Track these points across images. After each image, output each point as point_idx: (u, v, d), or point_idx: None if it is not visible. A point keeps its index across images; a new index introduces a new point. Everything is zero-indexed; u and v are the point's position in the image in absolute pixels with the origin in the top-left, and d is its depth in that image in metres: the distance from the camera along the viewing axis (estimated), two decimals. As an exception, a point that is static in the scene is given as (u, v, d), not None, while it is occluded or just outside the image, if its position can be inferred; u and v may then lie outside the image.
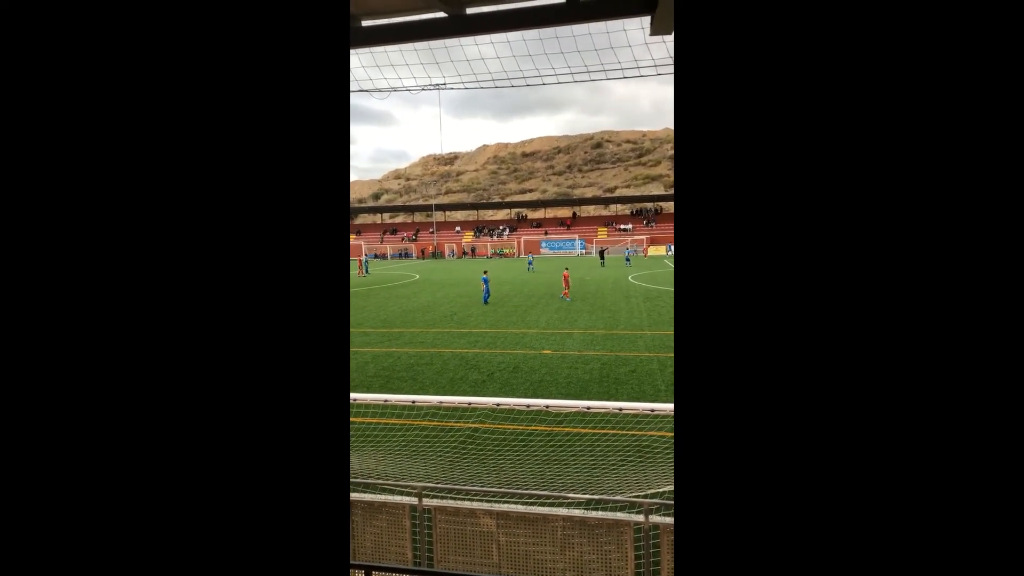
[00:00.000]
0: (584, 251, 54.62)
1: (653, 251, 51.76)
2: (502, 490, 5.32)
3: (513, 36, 4.12)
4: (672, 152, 68.40)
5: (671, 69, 4.71)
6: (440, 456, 6.82)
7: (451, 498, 5.14)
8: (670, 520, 4.41)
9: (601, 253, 42.62)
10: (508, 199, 76.07)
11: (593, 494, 5.47)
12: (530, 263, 39.57)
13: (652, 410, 5.33)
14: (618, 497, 5.33)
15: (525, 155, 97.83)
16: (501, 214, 70.27)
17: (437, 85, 6.10)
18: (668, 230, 56.06)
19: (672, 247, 51.69)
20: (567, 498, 5.23)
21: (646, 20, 3.15)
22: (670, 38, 3.42)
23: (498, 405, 5.46)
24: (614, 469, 6.20)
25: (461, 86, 5.29)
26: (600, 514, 4.49)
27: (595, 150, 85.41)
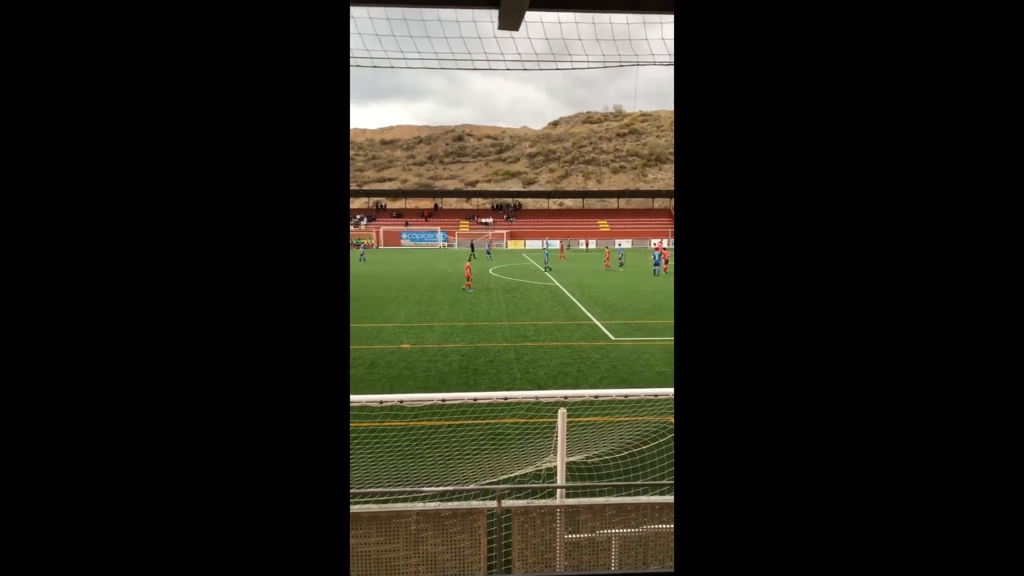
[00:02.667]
0: (447, 243, 54.59)
1: (512, 244, 53.54)
2: (353, 490, 5.08)
3: (358, 12, 3.90)
4: (529, 150, 71.07)
5: (521, 66, 4.85)
6: (285, 461, 6.29)
7: (296, 506, 4.77)
8: (521, 503, 4.58)
9: (472, 246, 43.86)
10: (366, 187, 73.02)
11: (448, 485, 5.48)
12: (362, 255, 38.59)
13: (506, 398, 5.49)
14: (471, 486, 5.41)
15: (384, 143, 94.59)
16: (359, 202, 67.19)
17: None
18: (527, 225, 58.35)
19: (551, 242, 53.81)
20: (422, 492, 5.17)
21: (495, 13, 3.19)
22: (519, 34, 3.50)
23: (350, 403, 5.19)
24: (469, 458, 6.28)
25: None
26: (453, 504, 4.51)
27: (456, 143, 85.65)
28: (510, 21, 2.98)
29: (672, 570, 1.29)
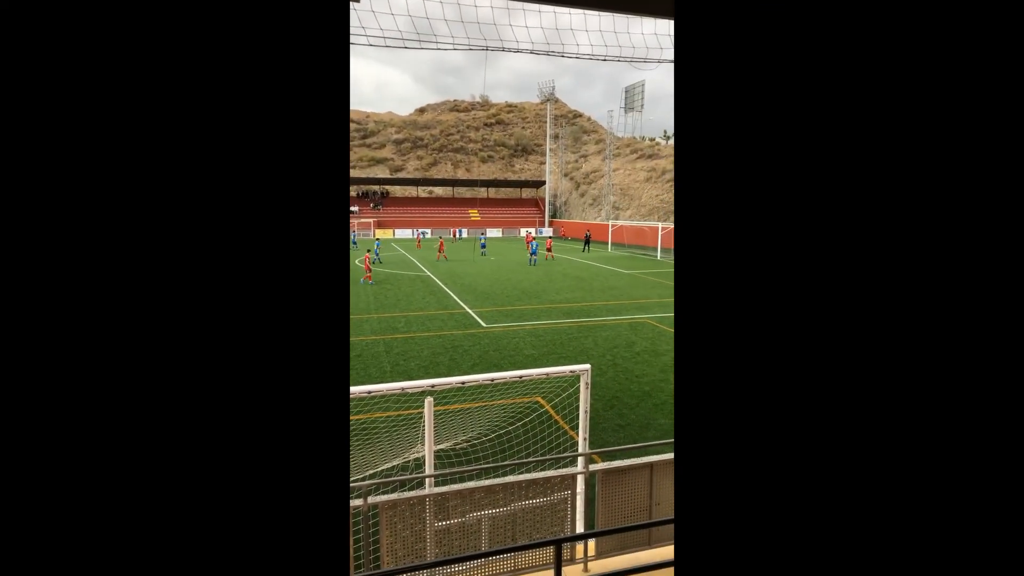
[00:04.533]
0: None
1: (381, 233, 51.82)
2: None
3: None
4: (396, 136, 68.93)
5: (393, 43, 4.63)
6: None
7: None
8: (389, 497, 4.47)
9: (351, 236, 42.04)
10: (212, 173, 65.35)
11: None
12: None
13: (370, 392, 5.29)
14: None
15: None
16: (204, 190, 60.06)
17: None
18: (396, 214, 56.80)
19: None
20: (280, 499, 4.81)
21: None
22: (362, 7, 3.33)
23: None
24: (335, 458, 5.99)
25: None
26: (315, 508, 4.26)
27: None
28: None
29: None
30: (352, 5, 3.33)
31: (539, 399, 8.13)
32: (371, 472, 5.54)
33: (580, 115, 79.48)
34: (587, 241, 39.07)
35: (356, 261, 29.46)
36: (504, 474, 5.36)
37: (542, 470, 5.48)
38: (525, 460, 5.63)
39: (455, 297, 18.17)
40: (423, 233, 48.79)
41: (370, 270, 21.79)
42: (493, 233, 54.33)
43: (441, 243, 33.20)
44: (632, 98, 58.32)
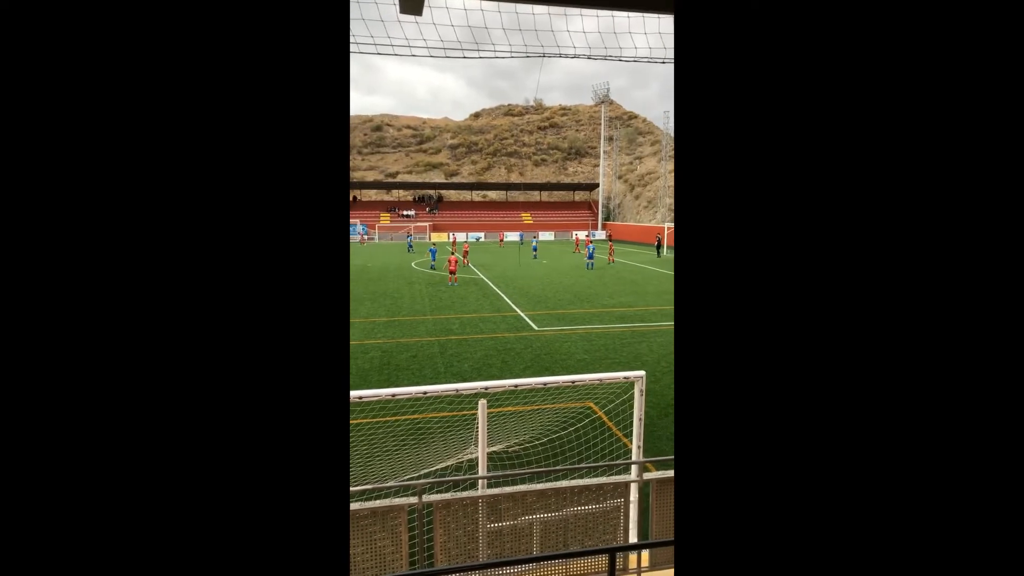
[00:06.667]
0: (367, 236, 52.92)
1: (436, 237, 52.85)
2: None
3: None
4: (451, 141, 70.11)
5: (427, 52, 4.75)
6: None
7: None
8: (443, 496, 4.54)
9: (408, 240, 42.03)
10: (279, 179, 68.69)
11: (367, 484, 5.34)
12: None
13: (425, 392, 5.40)
14: (391, 483, 5.31)
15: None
16: (271, 196, 63.29)
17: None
18: (450, 218, 57.84)
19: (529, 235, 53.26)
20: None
21: (397, -5, 3.09)
22: (423, 19, 3.41)
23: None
24: (390, 455, 6.15)
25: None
26: (372, 504, 4.39)
27: (375, 133, 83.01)
28: (412, 5, 2.89)
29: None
30: (411, 18, 3.43)
31: (591, 404, 8.04)
32: (425, 471, 5.65)
33: (635, 116, 78.13)
34: (659, 245, 35.42)
35: (413, 264, 30.18)
36: (556, 479, 5.33)
37: (594, 476, 5.41)
38: (577, 466, 5.58)
39: (507, 300, 18.27)
40: (533, 238, 48.86)
41: (454, 272, 22.00)
42: (546, 236, 54.25)
43: (466, 247, 31.64)
44: (690, 97, 56.53)
